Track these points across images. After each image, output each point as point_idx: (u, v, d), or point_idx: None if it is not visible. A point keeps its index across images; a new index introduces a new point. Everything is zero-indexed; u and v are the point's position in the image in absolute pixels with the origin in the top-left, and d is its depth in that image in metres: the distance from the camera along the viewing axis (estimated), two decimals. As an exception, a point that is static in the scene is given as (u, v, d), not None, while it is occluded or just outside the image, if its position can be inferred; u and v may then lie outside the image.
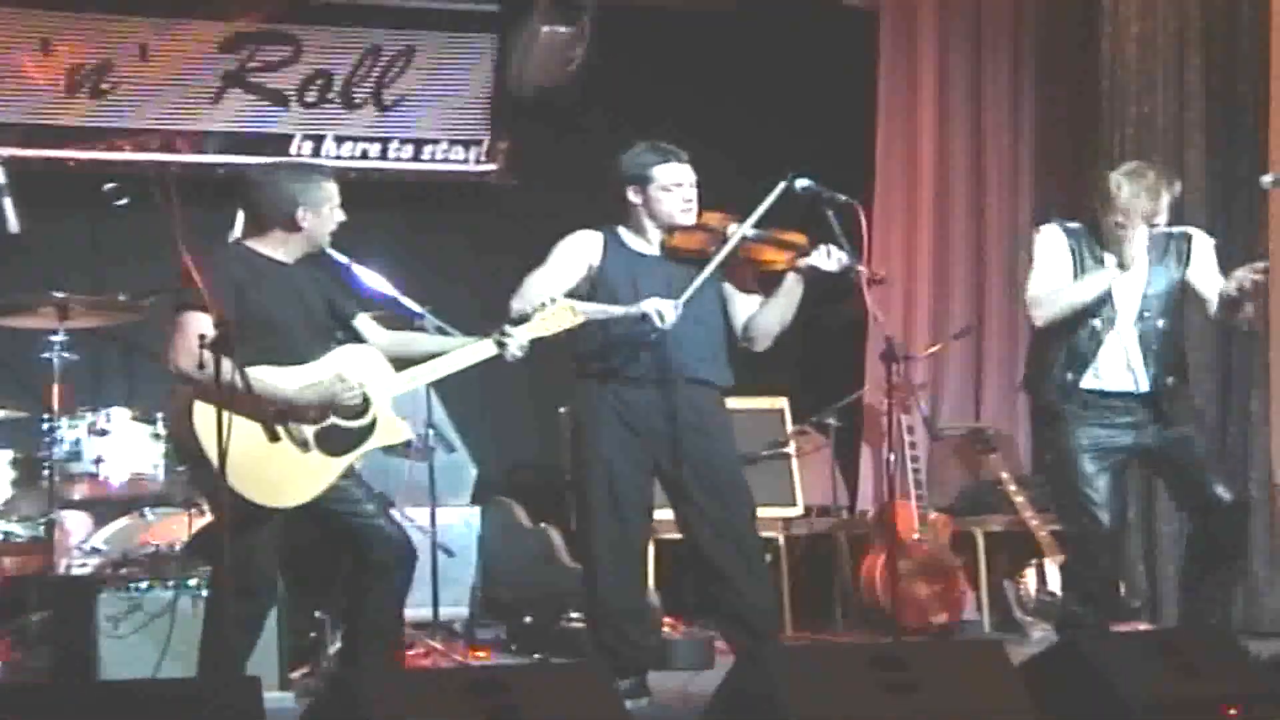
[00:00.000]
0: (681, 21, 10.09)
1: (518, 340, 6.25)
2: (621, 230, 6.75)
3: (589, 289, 6.63)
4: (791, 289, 6.67)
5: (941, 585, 8.95)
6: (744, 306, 6.79)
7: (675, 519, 6.78)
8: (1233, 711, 5.57)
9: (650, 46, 10.02)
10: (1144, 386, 6.73)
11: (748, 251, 6.63)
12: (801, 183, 6.58)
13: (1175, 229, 6.90)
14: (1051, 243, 6.84)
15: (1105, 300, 6.74)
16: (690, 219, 6.68)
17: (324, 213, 6.20)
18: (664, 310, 6.42)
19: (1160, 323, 6.77)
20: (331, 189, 6.25)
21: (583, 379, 6.72)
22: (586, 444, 6.70)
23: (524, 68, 9.93)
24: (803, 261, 6.58)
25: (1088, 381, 6.73)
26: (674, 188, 6.67)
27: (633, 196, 6.70)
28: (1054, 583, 8.63)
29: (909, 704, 5.27)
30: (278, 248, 6.17)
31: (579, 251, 6.70)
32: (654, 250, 6.70)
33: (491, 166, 10.10)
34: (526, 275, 6.62)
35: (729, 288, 6.77)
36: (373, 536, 6.14)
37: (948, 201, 10.30)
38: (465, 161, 10.11)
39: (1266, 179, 7.53)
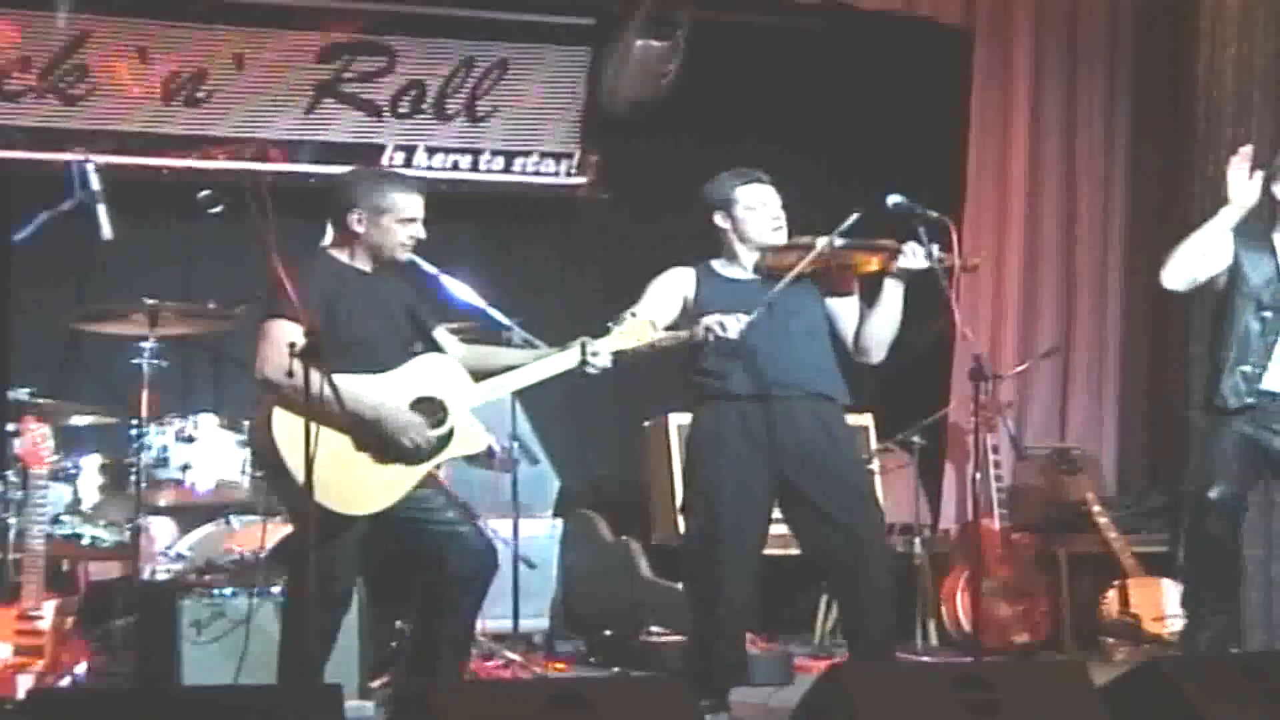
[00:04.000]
0: (774, 37, 10.08)
1: (602, 356, 6.20)
2: (714, 262, 6.70)
3: (689, 325, 6.53)
4: (891, 293, 6.60)
5: (1024, 606, 8.93)
6: (850, 318, 6.71)
7: (794, 533, 6.68)
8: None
9: (743, 62, 10.00)
10: None
11: (840, 259, 6.56)
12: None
13: None
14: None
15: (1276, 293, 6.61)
16: (780, 237, 6.63)
17: (383, 223, 6.08)
18: (725, 321, 6.34)
19: None
20: (400, 201, 6.10)
21: (702, 398, 6.63)
22: (707, 462, 6.59)
23: (617, 82, 9.93)
24: (895, 264, 6.52)
25: (1265, 382, 6.56)
26: (759, 206, 6.63)
27: (720, 222, 6.67)
28: (1136, 604, 8.62)
29: (989, 725, 5.25)
30: (353, 255, 6.12)
31: (672, 286, 6.65)
32: (750, 275, 6.65)
33: (582, 180, 10.11)
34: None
35: (833, 304, 6.70)
36: (452, 545, 6.07)
37: (1038, 220, 10.24)
38: (556, 174, 10.12)
39: None
